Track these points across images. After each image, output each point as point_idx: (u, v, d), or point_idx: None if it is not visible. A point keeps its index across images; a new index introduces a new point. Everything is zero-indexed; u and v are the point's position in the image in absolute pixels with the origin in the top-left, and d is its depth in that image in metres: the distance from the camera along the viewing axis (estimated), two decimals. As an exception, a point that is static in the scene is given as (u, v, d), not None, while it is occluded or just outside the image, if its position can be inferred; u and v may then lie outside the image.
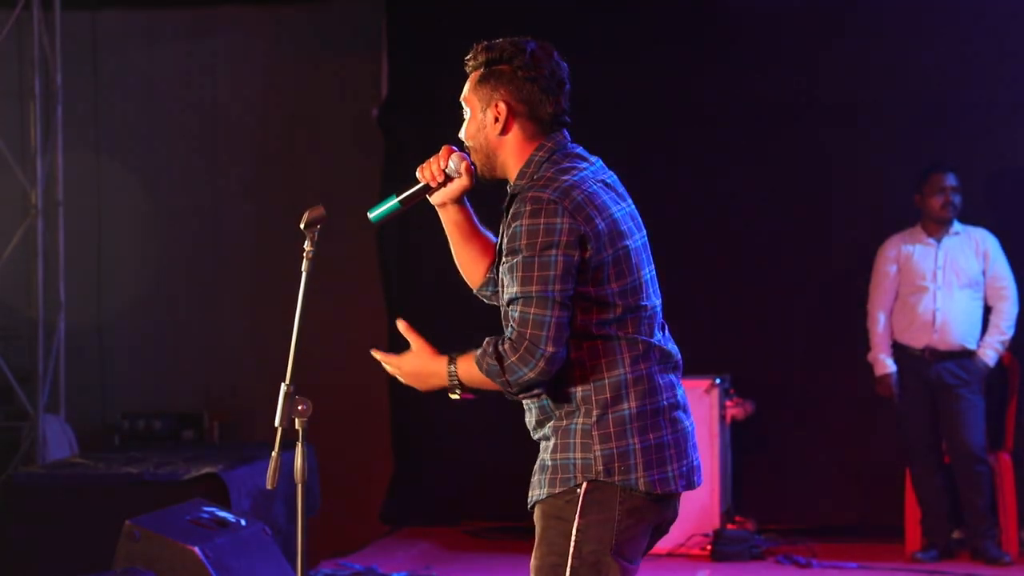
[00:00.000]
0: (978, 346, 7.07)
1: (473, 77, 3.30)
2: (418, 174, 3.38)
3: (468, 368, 3.19)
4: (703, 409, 7.16)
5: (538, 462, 3.26)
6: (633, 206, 3.32)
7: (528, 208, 3.12)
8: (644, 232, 3.31)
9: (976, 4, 7.64)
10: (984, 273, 7.11)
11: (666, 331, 3.31)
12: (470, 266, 3.46)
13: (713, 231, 7.86)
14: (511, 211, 3.19)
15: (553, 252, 3.09)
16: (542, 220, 3.10)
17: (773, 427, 7.73)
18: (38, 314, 7.86)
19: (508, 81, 3.24)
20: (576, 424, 3.18)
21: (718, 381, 7.32)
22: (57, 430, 7.91)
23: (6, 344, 8.11)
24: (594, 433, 3.15)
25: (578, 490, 3.15)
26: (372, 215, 3.41)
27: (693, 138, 7.87)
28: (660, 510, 3.21)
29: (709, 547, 7.13)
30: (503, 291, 3.21)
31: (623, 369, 3.17)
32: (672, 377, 3.26)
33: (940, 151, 7.39)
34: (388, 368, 3.34)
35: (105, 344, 8.56)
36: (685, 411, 3.26)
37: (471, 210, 3.43)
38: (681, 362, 3.31)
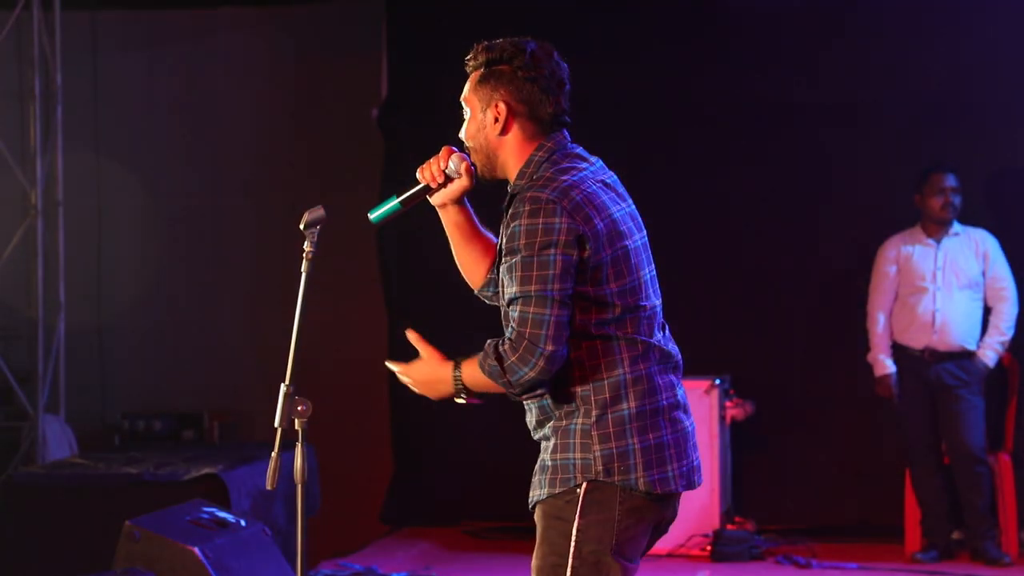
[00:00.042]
0: (978, 347, 7.07)
1: (473, 77, 3.30)
2: (418, 175, 3.38)
3: (472, 372, 3.19)
4: (703, 410, 7.16)
5: (538, 462, 3.26)
6: (633, 206, 3.31)
7: (527, 208, 3.13)
8: (644, 232, 3.31)
9: (976, 4, 7.63)
10: (984, 274, 7.10)
11: (666, 331, 3.31)
12: (471, 267, 3.46)
13: (713, 231, 7.86)
14: (510, 211, 3.19)
15: (552, 251, 3.09)
16: (540, 220, 3.11)
17: (773, 428, 7.73)
18: (38, 314, 7.86)
19: (508, 81, 3.24)
20: (576, 424, 3.18)
21: (718, 382, 7.32)
22: (57, 430, 7.91)
23: (6, 344, 8.11)
24: (593, 433, 3.15)
25: (578, 490, 3.15)
26: (373, 216, 3.41)
27: (693, 138, 7.87)
28: (660, 509, 3.21)
29: (709, 547, 7.13)
30: (503, 291, 3.21)
31: (622, 369, 3.17)
32: (672, 377, 3.26)
33: (940, 151, 7.38)
34: (401, 379, 3.34)
35: (105, 344, 8.56)
36: (685, 411, 3.26)
37: (472, 211, 3.43)
38: (681, 362, 3.31)
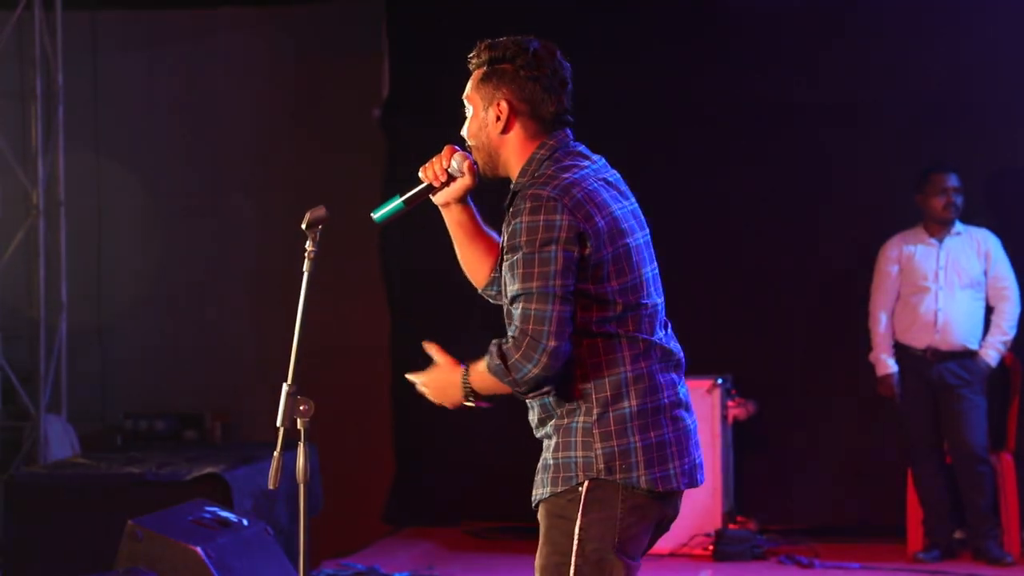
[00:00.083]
0: (980, 346, 7.07)
1: (476, 75, 3.30)
2: (421, 174, 3.38)
3: (479, 374, 3.19)
4: (705, 409, 7.16)
5: (541, 461, 3.26)
6: (636, 204, 3.31)
7: (528, 205, 3.13)
8: (647, 230, 3.31)
9: (976, 4, 7.63)
10: (986, 273, 7.11)
11: (668, 329, 3.31)
12: (474, 266, 3.46)
13: (713, 231, 7.86)
14: (512, 209, 3.19)
15: (553, 248, 3.09)
16: (541, 217, 3.11)
17: (775, 427, 7.73)
18: (40, 314, 7.86)
19: (510, 80, 3.25)
20: (577, 422, 3.18)
21: (720, 381, 7.33)
22: (59, 430, 7.91)
23: (8, 344, 8.11)
24: (595, 431, 3.16)
25: (580, 488, 3.15)
26: (376, 216, 3.41)
27: (693, 138, 7.87)
28: (662, 507, 3.21)
29: (711, 547, 7.14)
30: (505, 289, 3.21)
31: (623, 367, 3.17)
32: (673, 375, 3.26)
33: (940, 151, 7.38)
34: (420, 390, 3.34)
35: (106, 344, 8.56)
36: (687, 409, 3.26)
37: (475, 210, 3.43)
38: (683, 360, 3.31)
